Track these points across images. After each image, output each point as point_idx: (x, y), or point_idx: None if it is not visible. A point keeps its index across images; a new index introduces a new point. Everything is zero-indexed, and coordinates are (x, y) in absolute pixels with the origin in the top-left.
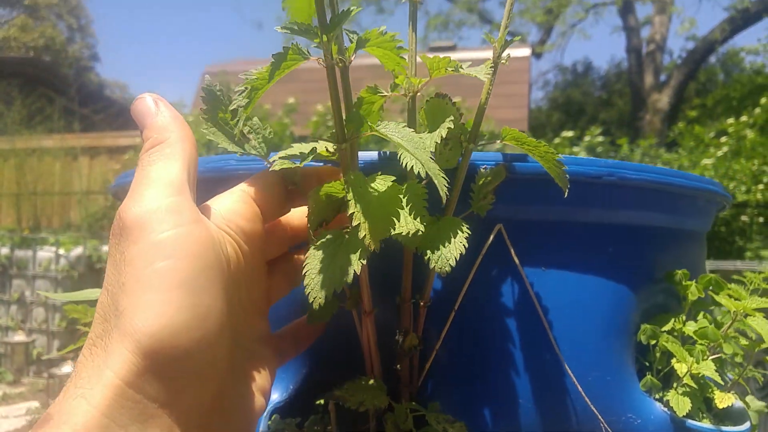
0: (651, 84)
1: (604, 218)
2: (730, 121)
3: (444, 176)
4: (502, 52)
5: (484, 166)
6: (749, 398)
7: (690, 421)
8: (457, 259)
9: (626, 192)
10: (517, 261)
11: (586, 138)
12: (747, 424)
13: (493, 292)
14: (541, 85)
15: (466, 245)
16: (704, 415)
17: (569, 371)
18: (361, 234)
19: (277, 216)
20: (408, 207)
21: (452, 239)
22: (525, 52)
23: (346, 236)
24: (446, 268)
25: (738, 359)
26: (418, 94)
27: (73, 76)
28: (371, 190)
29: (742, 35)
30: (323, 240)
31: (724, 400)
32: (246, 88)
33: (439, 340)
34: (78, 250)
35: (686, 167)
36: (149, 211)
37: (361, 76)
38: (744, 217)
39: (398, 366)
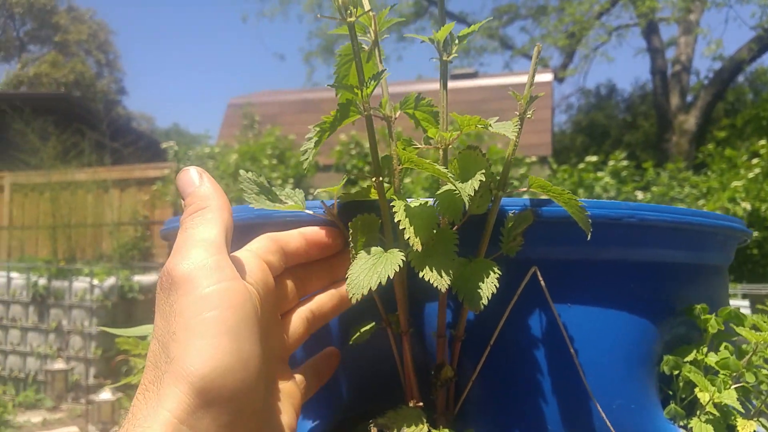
0: (677, 105)
1: (625, 256)
2: (762, 142)
3: (465, 188)
4: (528, 108)
5: (512, 211)
6: None
7: None
8: (489, 298)
9: (646, 231)
10: (549, 298)
11: (611, 162)
12: None
13: (522, 326)
14: (564, 108)
15: (498, 285)
16: None
17: (594, 399)
18: (407, 236)
19: (280, 270)
20: (440, 251)
21: (485, 279)
22: (547, 77)
23: (385, 253)
24: (479, 307)
25: (764, 387)
26: (450, 146)
27: (103, 111)
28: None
29: None
30: (365, 254)
31: (746, 427)
32: (317, 129)
33: (475, 372)
34: (111, 281)
35: (716, 189)
36: (196, 268)
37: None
38: None
39: (435, 396)
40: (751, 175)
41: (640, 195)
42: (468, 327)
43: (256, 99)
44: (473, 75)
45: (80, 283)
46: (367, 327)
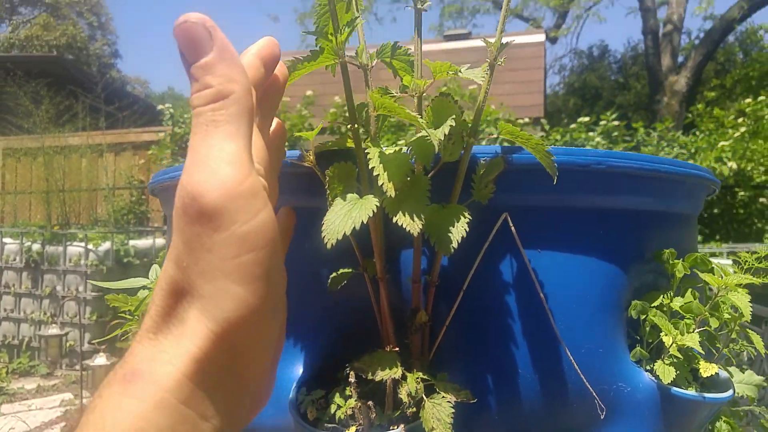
0: (668, 66)
1: (594, 203)
2: (748, 101)
3: (436, 133)
4: (498, 55)
5: (483, 158)
6: (748, 372)
7: (675, 389)
8: (459, 241)
9: (615, 178)
10: (519, 244)
11: (602, 123)
12: (730, 392)
13: (494, 272)
14: (557, 69)
15: (468, 229)
16: (690, 384)
17: (563, 343)
18: (380, 182)
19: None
20: (413, 197)
21: (455, 223)
22: (539, 37)
23: (360, 200)
24: (450, 250)
25: (734, 335)
26: (424, 94)
27: (97, 74)
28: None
29: (760, 13)
30: (341, 201)
31: (708, 369)
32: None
33: (449, 317)
34: (106, 245)
35: (704, 149)
36: (230, 199)
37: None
38: (762, 199)
39: (410, 340)
40: (737, 134)
41: None
42: (442, 273)
43: None
44: (466, 36)
45: (75, 248)
46: (344, 271)
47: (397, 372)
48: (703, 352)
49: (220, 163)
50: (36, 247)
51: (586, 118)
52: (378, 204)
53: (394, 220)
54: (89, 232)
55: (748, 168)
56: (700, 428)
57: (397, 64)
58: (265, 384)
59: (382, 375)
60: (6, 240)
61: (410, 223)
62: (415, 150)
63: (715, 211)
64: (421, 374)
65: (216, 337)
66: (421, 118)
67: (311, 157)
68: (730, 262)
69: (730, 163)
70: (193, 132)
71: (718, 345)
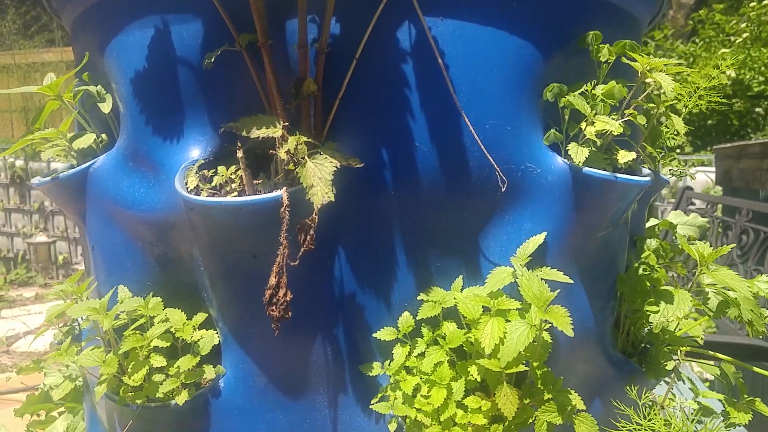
0: None
1: None
2: (753, 4)
3: None
4: None
5: None
6: (692, 215)
7: (587, 168)
8: None
9: None
10: (418, 9)
11: None
12: (647, 178)
13: (390, 40)
14: None
15: None
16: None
17: (464, 115)
18: None
19: None
20: None
21: None
22: None
23: None
24: None
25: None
26: None
27: None
28: None
29: None
30: None
31: (626, 156)
32: None
33: (342, 88)
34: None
35: (703, 57)
36: None
37: None
38: (759, 109)
39: (294, 109)
40: (739, 40)
41: None
42: (334, 42)
43: None
44: None
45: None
46: (217, 51)
47: (276, 131)
48: (619, 129)
49: None
50: (19, 163)
51: None
52: None
53: None
54: None
55: (747, 77)
56: (612, 221)
57: None
58: None
59: (258, 133)
60: None
61: None
62: None
63: (709, 122)
64: (305, 138)
65: None
66: None
67: None
68: (712, 169)
69: (729, 72)
70: None
71: (644, 144)
